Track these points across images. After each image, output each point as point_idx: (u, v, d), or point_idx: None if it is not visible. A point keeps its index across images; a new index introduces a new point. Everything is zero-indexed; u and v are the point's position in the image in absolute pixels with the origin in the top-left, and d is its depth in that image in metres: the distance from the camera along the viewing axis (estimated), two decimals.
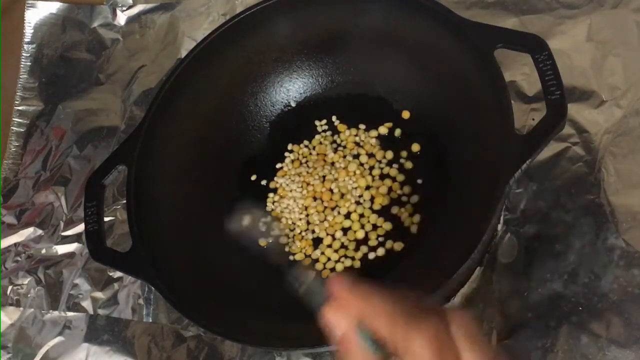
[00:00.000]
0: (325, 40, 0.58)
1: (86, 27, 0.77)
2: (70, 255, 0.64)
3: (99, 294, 0.61)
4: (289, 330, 0.46)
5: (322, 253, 0.54)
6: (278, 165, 0.59)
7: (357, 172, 0.57)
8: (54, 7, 0.79)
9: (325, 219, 0.56)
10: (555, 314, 0.48)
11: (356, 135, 0.59)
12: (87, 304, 0.61)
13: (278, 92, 0.60)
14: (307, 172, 0.58)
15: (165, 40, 0.73)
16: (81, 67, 0.76)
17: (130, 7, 0.76)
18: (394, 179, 0.56)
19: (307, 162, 0.59)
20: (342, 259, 0.54)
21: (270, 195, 0.58)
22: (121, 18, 0.76)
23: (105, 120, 0.72)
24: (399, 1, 0.53)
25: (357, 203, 0.56)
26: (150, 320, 0.59)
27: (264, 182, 0.59)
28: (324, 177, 0.58)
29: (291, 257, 0.55)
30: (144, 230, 0.50)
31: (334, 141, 0.59)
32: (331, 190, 0.57)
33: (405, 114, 0.57)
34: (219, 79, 0.58)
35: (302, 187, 0.57)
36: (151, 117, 0.54)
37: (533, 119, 0.55)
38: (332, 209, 0.56)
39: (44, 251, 0.66)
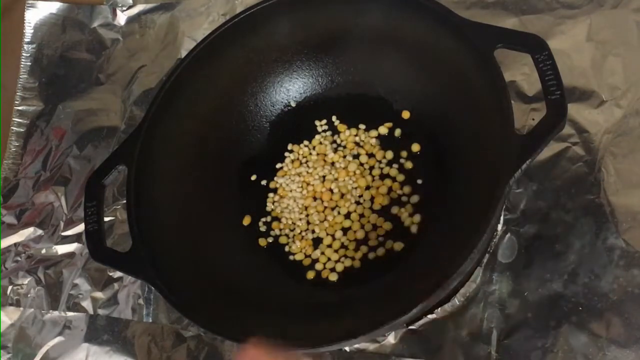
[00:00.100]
0: (325, 40, 0.58)
1: (86, 27, 0.77)
2: (70, 255, 0.64)
3: (99, 294, 0.61)
4: (289, 330, 0.46)
5: (322, 253, 0.54)
6: (278, 165, 0.59)
7: (357, 172, 0.57)
8: (54, 7, 0.79)
9: (325, 219, 0.56)
10: (555, 314, 0.48)
11: (356, 135, 0.59)
12: (87, 304, 0.61)
13: (278, 92, 0.60)
14: (307, 172, 0.58)
15: (165, 40, 0.73)
16: (81, 67, 0.76)
17: (130, 7, 0.76)
18: (394, 179, 0.56)
19: (307, 162, 0.59)
20: (342, 259, 0.54)
21: (270, 195, 0.58)
22: (121, 18, 0.76)
23: (105, 120, 0.71)
24: (399, 1, 0.53)
25: (357, 203, 0.56)
26: (150, 320, 0.59)
27: (264, 182, 0.59)
28: (324, 177, 0.58)
29: (291, 257, 0.55)
30: (144, 230, 0.50)
31: (334, 141, 0.59)
32: (331, 190, 0.57)
33: (405, 114, 0.57)
34: (218, 79, 0.58)
35: (302, 187, 0.58)
36: (151, 117, 0.54)
37: (533, 119, 0.55)
38: (332, 209, 0.56)
39: (44, 251, 0.66)
